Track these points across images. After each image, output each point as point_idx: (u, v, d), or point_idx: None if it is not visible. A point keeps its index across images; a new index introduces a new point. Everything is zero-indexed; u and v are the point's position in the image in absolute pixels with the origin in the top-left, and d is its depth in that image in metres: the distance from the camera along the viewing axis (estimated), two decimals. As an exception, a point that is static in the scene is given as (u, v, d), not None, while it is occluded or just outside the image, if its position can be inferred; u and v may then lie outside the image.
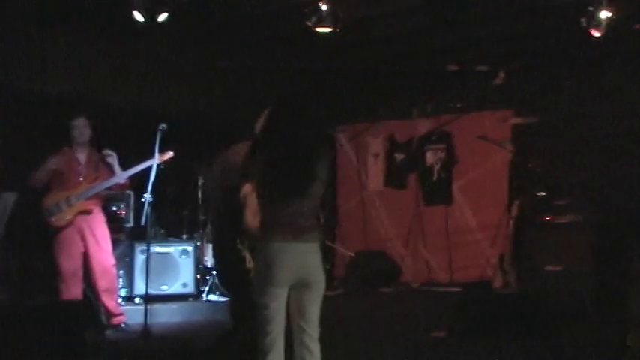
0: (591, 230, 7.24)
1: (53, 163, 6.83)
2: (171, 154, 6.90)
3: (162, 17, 6.61)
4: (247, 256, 4.30)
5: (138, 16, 6.60)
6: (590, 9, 6.61)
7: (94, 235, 6.85)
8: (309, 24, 6.67)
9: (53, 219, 6.74)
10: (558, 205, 7.63)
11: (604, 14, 6.59)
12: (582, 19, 6.64)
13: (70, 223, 6.75)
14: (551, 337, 6.14)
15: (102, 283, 6.86)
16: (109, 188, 6.99)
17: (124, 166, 6.97)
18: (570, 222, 7.43)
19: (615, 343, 5.99)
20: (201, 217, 8.77)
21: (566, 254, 7.20)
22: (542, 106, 8.29)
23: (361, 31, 7.93)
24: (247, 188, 3.98)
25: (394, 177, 10.01)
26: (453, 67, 8.40)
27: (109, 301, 6.93)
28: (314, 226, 3.98)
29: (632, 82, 7.90)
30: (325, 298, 4.07)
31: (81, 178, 6.86)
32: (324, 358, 3.99)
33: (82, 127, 6.87)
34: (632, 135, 7.84)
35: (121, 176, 6.92)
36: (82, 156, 6.94)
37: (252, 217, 3.96)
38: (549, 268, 7.26)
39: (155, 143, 6.64)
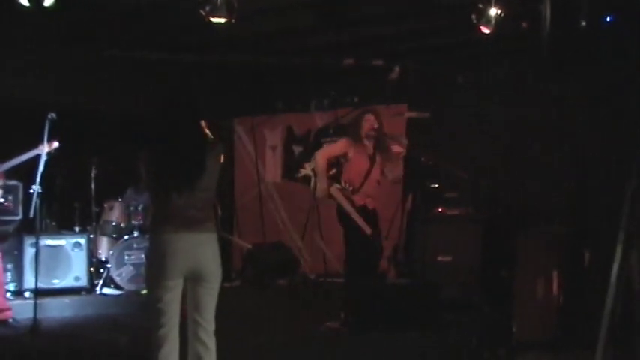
0: (479, 223, 7.48)
1: None
2: (56, 144, 6.72)
3: (49, 2, 6.43)
4: None
5: (23, 1, 6.40)
6: (480, 6, 6.83)
7: None
8: (203, 13, 6.61)
9: None
10: (449, 198, 7.84)
11: (493, 11, 6.82)
12: (473, 16, 6.86)
13: None
14: (442, 326, 6.33)
15: None
16: None
17: (10, 158, 6.75)
18: (460, 214, 7.66)
19: (502, 331, 6.22)
20: (95, 210, 8.59)
21: (456, 245, 7.41)
22: (435, 101, 8.51)
23: (258, 22, 7.93)
24: None
25: (292, 169, 10.06)
26: (349, 62, 8.50)
27: None
28: (208, 217, 3.97)
29: (521, 79, 8.19)
30: (222, 290, 4.08)
31: None
32: (220, 352, 3.99)
33: None
34: (521, 130, 8.13)
35: (2, 167, 6.71)
36: None
37: None
38: (440, 258, 7.46)
39: (44, 133, 6.46)
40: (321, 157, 6.99)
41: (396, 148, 7.06)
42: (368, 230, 6.66)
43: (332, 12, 7.50)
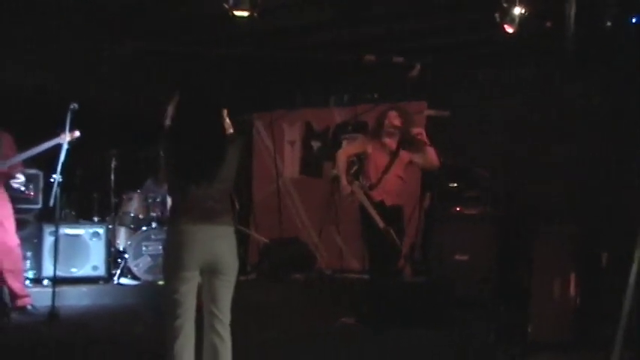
0: (497, 222, 7.46)
1: None
2: (77, 133, 6.76)
3: None
4: None
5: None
6: (504, 5, 6.80)
7: None
8: (226, 6, 6.64)
9: None
10: (467, 197, 7.82)
11: (517, 10, 6.79)
12: (496, 15, 6.83)
13: None
14: (457, 324, 6.32)
15: (6, 264, 6.69)
16: None
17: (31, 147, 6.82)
18: (478, 213, 7.64)
19: (517, 332, 6.21)
20: (114, 200, 8.65)
21: (473, 245, 7.39)
22: (455, 99, 8.48)
23: (280, 17, 7.94)
24: None
25: (310, 165, 10.06)
26: (369, 58, 8.48)
27: (14, 283, 6.76)
28: (226, 210, 3.99)
29: (543, 78, 8.15)
30: (237, 283, 4.10)
31: None
32: (235, 344, 4.01)
33: None
34: (542, 129, 8.09)
35: (18, 158, 6.80)
36: None
37: None
38: (457, 257, 7.45)
39: (66, 123, 6.50)
40: (342, 155, 7.05)
41: (422, 136, 7.02)
42: (381, 224, 6.66)
43: (353, 8, 7.50)
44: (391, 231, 6.69)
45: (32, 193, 8.01)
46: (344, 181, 6.92)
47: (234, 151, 4.01)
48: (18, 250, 6.87)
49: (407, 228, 7.50)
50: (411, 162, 6.91)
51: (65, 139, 6.61)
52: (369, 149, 6.91)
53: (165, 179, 4.01)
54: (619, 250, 5.97)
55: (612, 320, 5.14)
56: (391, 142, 6.86)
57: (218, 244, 3.90)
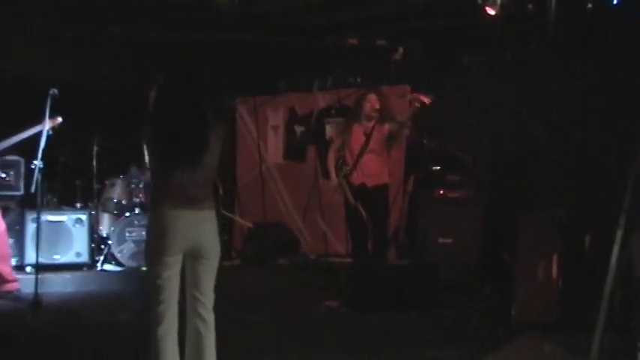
0: (481, 205, 7.49)
1: None
2: (60, 119, 6.71)
3: None
4: None
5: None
6: (486, -13, 6.81)
7: None
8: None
9: None
10: (451, 180, 7.84)
11: (498, -8, 6.80)
12: (478, -3, 6.84)
13: None
14: (442, 307, 6.35)
15: None
16: None
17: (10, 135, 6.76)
18: (461, 197, 7.66)
19: (501, 314, 6.24)
20: (96, 186, 8.60)
21: (457, 228, 7.42)
22: (438, 83, 8.47)
23: (262, 1, 7.90)
24: None
25: (294, 149, 10.05)
26: (352, 42, 8.46)
27: (4, 267, 6.75)
28: (208, 196, 3.98)
29: (526, 63, 8.15)
30: (222, 269, 4.09)
31: None
32: (218, 328, 4.01)
33: None
34: (524, 114, 8.10)
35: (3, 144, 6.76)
36: None
37: None
38: (441, 241, 7.47)
39: (46, 109, 6.44)
40: (330, 153, 7.16)
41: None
42: (351, 200, 6.76)
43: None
44: (359, 206, 6.73)
45: (13, 180, 7.96)
46: (332, 174, 7.00)
47: (218, 138, 3.98)
48: (6, 236, 6.84)
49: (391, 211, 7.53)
50: (389, 133, 6.90)
51: (46, 126, 6.54)
52: (348, 135, 6.95)
53: (148, 165, 3.98)
54: (602, 233, 6.00)
55: (595, 302, 5.18)
56: (369, 126, 6.88)
57: (200, 228, 3.89)
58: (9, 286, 6.76)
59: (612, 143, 7.02)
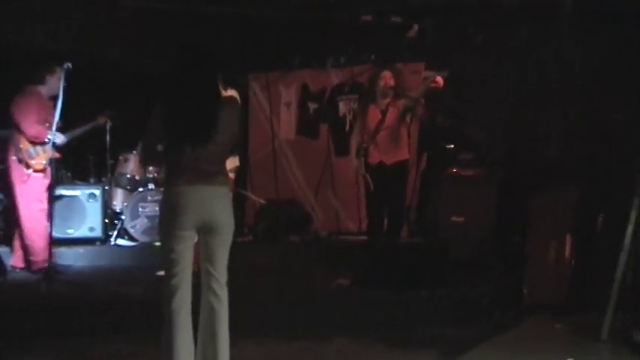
0: (493, 184, 7.46)
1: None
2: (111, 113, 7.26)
3: None
4: None
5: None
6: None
7: None
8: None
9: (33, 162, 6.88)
10: (464, 159, 7.81)
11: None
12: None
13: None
14: (453, 286, 6.35)
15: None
16: None
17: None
18: (474, 175, 7.64)
19: (513, 294, 6.25)
20: (110, 161, 8.62)
21: (470, 206, 7.40)
22: (452, 61, 8.41)
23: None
24: None
25: (306, 126, 10.02)
26: (366, 18, 8.41)
27: (37, 244, 6.93)
28: (220, 171, 4.00)
29: (542, 40, 8.08)
30: (234, 245, 4.11)
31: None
32: (231, 304, 4.03)
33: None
34: (538, 93, 8.05)
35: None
36: None
37: None
38: (453, 219, 7.46)
39: (60, 83, 6.44)
40: (352, 139, 7.08)
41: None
42: (362, 172, 6.81)
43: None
44: (367, 176, 6.76)
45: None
46: (353, 154, 6.98)
47: (231, 114, 3.98)
48: (42, 216, 6.97)
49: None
50: (404, 108, 6.86)
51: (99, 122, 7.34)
52: (364, 116, 6.93)
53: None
54: (615, 213, 5.98)
55: (607, 282, 5.18)
56: (384, 102, 6.84)
57: (214, 203, 3.91)
58: (41, 264, 6.83)
59: (627, 123, 6.98)
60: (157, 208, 7.69)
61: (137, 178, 8.62)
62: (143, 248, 8.16)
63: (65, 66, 6.40)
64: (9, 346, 4.99)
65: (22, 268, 6.96)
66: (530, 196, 6.48)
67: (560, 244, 6.09)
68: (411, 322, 5.66)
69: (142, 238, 8.31)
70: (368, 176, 6.80)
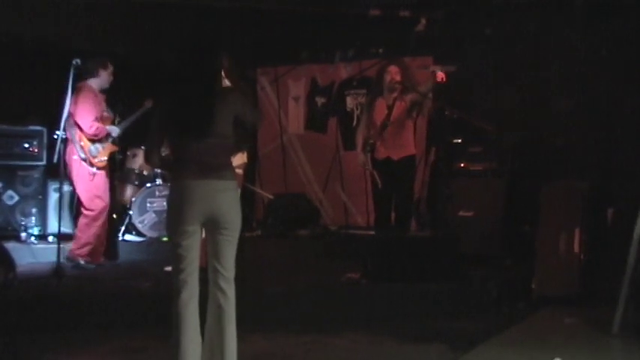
0: (502, 177, 7.43)
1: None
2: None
3: None
4: None
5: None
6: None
7: None
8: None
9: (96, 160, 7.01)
10: (473, 152, 7.78)
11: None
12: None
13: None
14: (462, 279, 6.33)
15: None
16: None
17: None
18: (483, 169, 7.61)
19: (522, 286, 6.23)
20: (118, 157, 8.62)
21: (479, 200, 7.38)
22: (461, 54, 8.38)
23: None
24: None
25: (315, 120, 10.02)
26: (375, 12, 8.37)
27: (86, 237, 7.12)
28: (225, 165, 3.98)
29: (551, 31, 8.04)
30: (243, 240, 4.10)
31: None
32: (239, 299, 4.02)
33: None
34: (547, 85, 8.01)
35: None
36: None
37: None
38: (462, 213, 7.44)
39: (69, 79, 6.45)
40: (358, 134, 7.07)
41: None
42: (369, 168, 6.82)
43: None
44: (375, 173, 6.76)
45: (37, 149, 8.01)
46: (359, 149, 6.96)
47: (229, 106, 3.96)
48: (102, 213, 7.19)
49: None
50: (412, 103, 6.82)
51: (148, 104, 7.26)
52: (371, 111, 6.91)
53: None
54: (625, 206, 5.96)
55: (617, 275, 5.15)
56: (391, 97, 6.82)
57: (219, 197, 3.89)
58: (77, 252, 6.98)
59: (637, 115, 6.94)
60: (165, 204, 7.74)
61: (145, 173, 8.62)
62: (151, 243, 8.18)
63: (74, 62, 6.41)
64: (20, 340, 5.01)
65: (87, 261, 7.06)
66: (539, 189, 6.45)
67: (570, 236, 6.06)
68: (420, 316, 5.65)
69: (150, 233, 8.32)
70: (375, 173, 6.79)
